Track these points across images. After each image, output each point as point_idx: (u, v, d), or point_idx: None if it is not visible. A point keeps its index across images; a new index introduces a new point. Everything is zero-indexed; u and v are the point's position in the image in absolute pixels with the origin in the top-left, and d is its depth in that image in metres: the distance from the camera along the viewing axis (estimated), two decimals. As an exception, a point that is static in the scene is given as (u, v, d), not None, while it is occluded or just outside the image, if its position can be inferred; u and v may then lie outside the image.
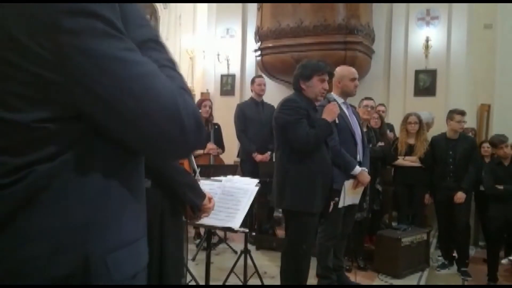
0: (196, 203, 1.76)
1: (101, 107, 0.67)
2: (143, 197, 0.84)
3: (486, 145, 4.79)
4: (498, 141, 3.90)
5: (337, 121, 2.82)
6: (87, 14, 0.64)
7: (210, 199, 1.84)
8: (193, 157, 2.07)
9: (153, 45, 0.78)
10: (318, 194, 2.75)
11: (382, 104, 5.19)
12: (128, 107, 0.67)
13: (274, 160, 3.11)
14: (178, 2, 7.78)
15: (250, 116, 4.84)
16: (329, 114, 2.78)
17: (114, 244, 0.72)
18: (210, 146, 4.62)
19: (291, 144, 2.76)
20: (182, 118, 0.72)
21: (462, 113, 4.16)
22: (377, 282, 3.78)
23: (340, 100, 3.23)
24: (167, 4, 8.04)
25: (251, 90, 5.04)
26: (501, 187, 3.79)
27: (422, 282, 3.84)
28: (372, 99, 4.36)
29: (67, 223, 0.68)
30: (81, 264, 0.68)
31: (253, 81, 5.04)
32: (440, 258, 4.36)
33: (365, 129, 3.84)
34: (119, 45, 0.67)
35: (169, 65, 0.79)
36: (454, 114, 4.19)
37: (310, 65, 2.83)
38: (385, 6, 5.83)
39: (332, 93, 3.13)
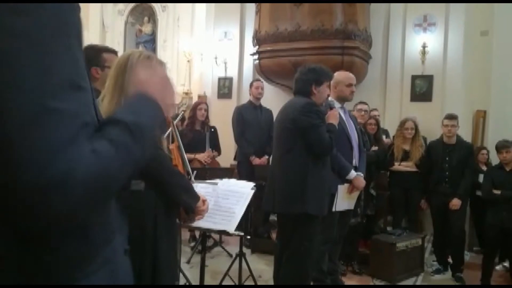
0: (190, 206, 1.76)
1: None
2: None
3: (484, 151, 4.82)
4: (500, 146, 3.93)
5: (336, 126, 2.85)
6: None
7: (204, 201, 1.84)
8: (187, 160, 2.07)
9: None
10: (326, 198, 2.83)
11: (376, 109, 5.21)
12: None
13: (272, 163, 3.08)
14: (176, 2, 7.80)
15: (248, 119, 4.84)
16: (334, 119, 2.83)
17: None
18: (200, 156, 4.58)
19: (313, 147, 2.74)
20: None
21: (450, 117, 4.17)
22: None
23: (338, 105, 3.24)
24: (166, 6, 8.05)
25: (249, 94, 5.05)
26: (498, 192, 3.81)
27: None
28: (366, 103, 4.38)
29: None
30: None
31: (251, 85, 5.05)
32: (435, 263, 4.36)
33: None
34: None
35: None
36: (443, 118, 4.23)
37: (321, 71, 2.87)
38: (382, 11, 5.87)
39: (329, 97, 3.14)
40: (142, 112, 0.78)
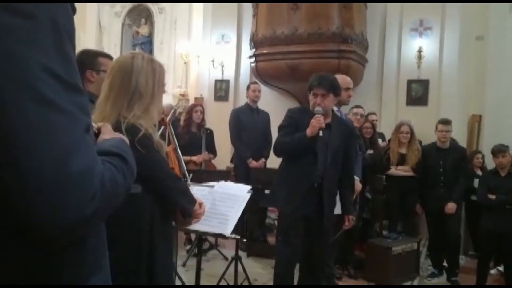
0: (187, 208, 1.76)
1: None
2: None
3: (479, 155, 4.84)
4: (496, 150, 3.95)
5: (320, 134, 2.81)
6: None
7: (200, 204, 1.84)
8: (183, 162, 2.06)
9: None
10: (292, 198, 2.83)
11: (373, 113, 5.23)
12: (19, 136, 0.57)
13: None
14: (174, 2, 7.80)
15: (245, 122, 4.83)
16: (310, 127, 2.81)
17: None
18: (194, 158, 4.57)
19: None
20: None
21: (445, 122, 4.19)
22: (367, 290, 3.78)
23: (334, 108, 3.26)
24: (163, 8, 8.06)
25: (246, 96, 5.04)
26: (493, 196, 3.82)
27: (412, 291, 3.85)
28: (361, 107, 4.40)
29: None
30: None
31: (248, 87, 5.04)
32: (430, 267, 4.37)
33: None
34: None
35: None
36: (437, 123, 4.24)
37: (309, 81, 2.95)
38: (379, 16, 5.90)
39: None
40: (130, 155, 0.83)
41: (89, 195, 0.61)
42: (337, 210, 3.10)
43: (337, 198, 3.05)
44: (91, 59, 2.07)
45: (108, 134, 0.92)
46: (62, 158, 0.59)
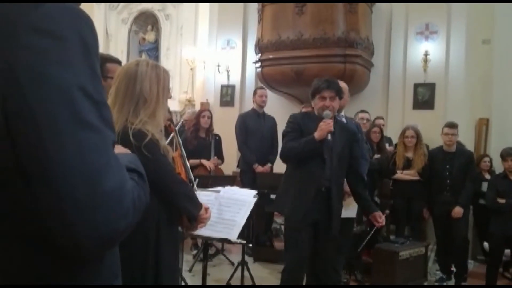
0: (193, 213, 1.76)
1: (25, 140, 0.58)
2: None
3: (486, 159, 4.80)
4: (505, 153, 3.92)
5: (329, 138, 2.80)
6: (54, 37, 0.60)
7: (206, 209, 1.84)
8: (189, 167, 2.08)
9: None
10: (300, 203, 2.78)
11: (381, 117, 5.20)
12: (51, 157, 0.58)
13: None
14: (181, 2, 7.85)
15: (251, 127, 4.84)
16: (318, 131, 2.79)
17: None
18: (206, 162, 4.60)
19: None
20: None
21: (451, 125, 4.16)
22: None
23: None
24: (169, 15, 8.12)
25: (253, 101, 5.05)
26: (502, 200, 3.79)
27: (420, 296, 3.81)
28: (367, 112, 4.38)
29: None
30: None
31: (254, 93, 5.05)
32: (438, 272, 4.33)
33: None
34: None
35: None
36: (443, 127, 4.22)
37: (313, 86, 2.93)
38: (384, 20, 5.90)
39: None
40: (144, 172, 0.84)
41: (123, 212, 0.63)
42: (343, 213, 3.09)
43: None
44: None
45: (117, 148, 0.92)
46: (95, 176, 0.60)
